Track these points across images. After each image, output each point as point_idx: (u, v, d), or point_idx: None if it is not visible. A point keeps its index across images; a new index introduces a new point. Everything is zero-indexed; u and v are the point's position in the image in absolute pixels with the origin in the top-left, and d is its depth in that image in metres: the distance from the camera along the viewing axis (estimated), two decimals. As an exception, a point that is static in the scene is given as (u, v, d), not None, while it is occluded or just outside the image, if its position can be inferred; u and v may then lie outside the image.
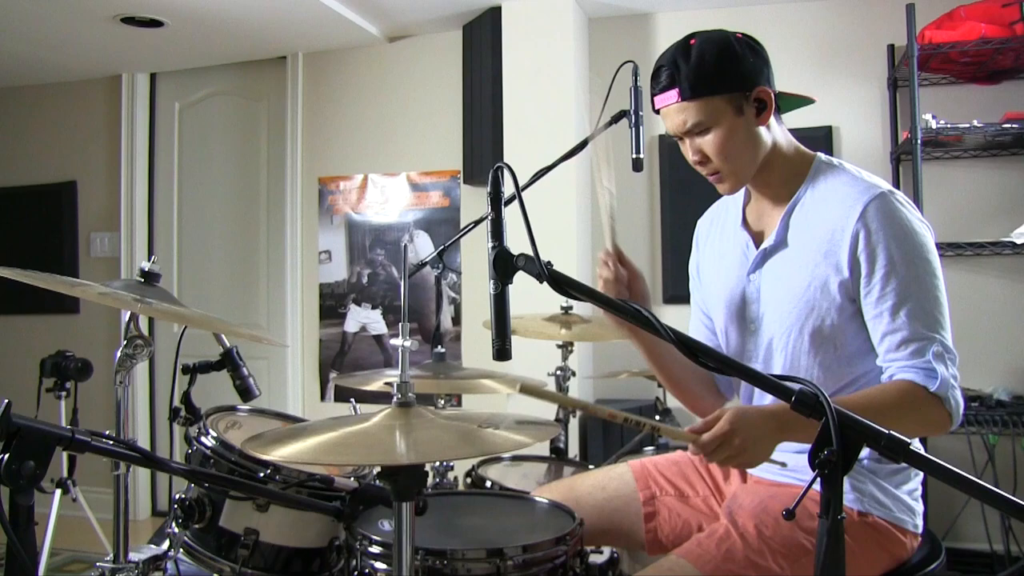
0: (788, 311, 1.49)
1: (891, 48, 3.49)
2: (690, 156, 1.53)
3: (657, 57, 1.51)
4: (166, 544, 1.66)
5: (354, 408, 1.82)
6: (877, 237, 1.40)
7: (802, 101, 1.60)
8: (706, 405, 1.69)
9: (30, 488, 1.11)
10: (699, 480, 1.71)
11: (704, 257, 1.75)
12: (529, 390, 1.31)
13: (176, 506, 1.60)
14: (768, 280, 1.55)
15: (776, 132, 1.54)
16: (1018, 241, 3.18)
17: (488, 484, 2.09)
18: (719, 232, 1.71)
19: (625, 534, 1.70)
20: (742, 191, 1.66)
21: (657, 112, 1.54)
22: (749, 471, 1.63)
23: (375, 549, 1.43)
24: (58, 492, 2.63)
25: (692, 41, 1.47)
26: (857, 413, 0.96)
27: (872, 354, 1.44)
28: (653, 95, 1.51)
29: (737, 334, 1.61)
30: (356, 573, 1.45)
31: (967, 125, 3.13)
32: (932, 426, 1.39)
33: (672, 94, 1.46)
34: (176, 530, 1.62)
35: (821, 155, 1.57)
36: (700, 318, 1.76)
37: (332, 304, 4.21)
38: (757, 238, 1.59)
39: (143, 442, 4.38)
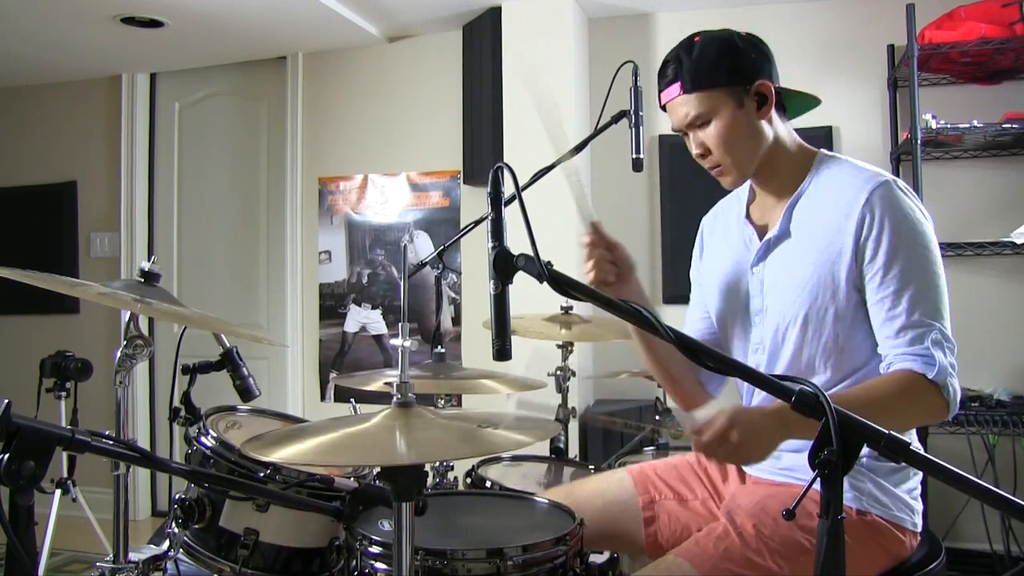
0: (792, 301, 1.50)
1: (891, 48, 3.49)
2: (693, 150, 1.56)
3: (657, 57, 1.53)
4: (166, 544, 1.66)
5: (354, 408, 1.82)
6: (882, 223, 1.41)
7: (808, 103, 1.60)
8: (699, 402, 1.69)
9: (30, 488, 1.11)
10: (698, 483, 1.71)
11: (706, 253, 1.76)
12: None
13: (176, 506, 1.60)
14: (772, 272, 1.55)
15: (779, 127, 1.56)
16: (1018, 241, 3.18)
17: (488, 484, 2.09)
18: (723, 228, 1.71)
19: (625, 539, 1.70)
20: (746, 188, 1.67)
21: (664, 108, 1.58)
22: (748, 471, 1.63)
23: (375, 549, 1.43)
24: (58, 492, 2.63)
25: (696, 38, 1.52)
26: (858, 406, 0.96)
27: (875, 345, 1.44)
28: (659, 91, 1.56)
29: (740, 328, 1.61)
30: (356, 573, 1.45)
31: (967, 125, 3.13)
32: (931, 415, 1.40)
33: (675, 87, 1.51)
34: (176, 530, 1.62)
35: (824, 151, 1.58)
36: (698, 313, 1.76)
37: (332, 304, 4.21)
38: (761, 231, 1.60)
39: (143, 442, 4.38)
